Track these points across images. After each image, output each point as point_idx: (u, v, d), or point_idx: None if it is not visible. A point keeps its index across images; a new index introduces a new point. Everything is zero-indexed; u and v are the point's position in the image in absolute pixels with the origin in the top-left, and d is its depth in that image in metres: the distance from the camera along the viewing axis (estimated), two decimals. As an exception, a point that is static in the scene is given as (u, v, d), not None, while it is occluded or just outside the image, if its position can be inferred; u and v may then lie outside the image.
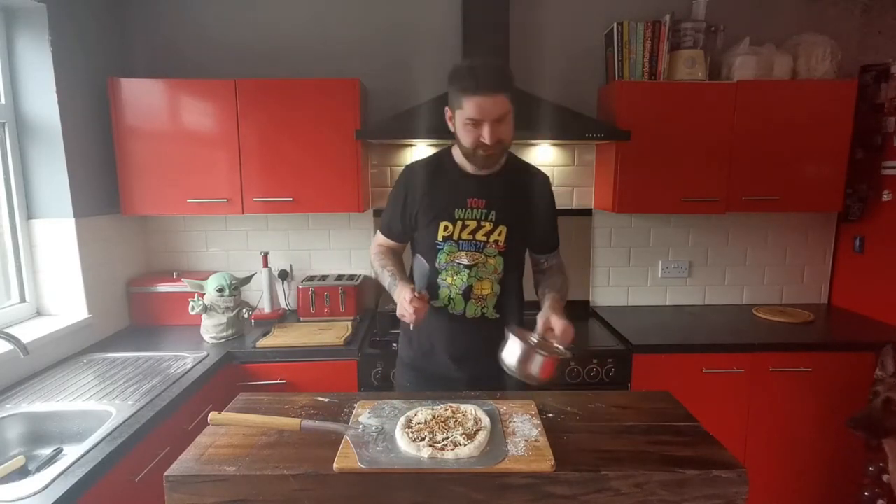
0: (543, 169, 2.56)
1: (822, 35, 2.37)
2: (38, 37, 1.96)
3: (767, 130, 2.29)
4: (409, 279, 1.57)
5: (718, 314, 2.62)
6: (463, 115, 1.40)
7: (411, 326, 1.47)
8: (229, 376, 2.06)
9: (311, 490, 1.01)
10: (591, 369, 2.13)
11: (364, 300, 2.57)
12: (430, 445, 1.06)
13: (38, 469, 1.42)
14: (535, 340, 1.37)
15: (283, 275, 2.61)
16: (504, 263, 1.54)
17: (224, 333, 2.19)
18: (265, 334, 2.26)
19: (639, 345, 2.16)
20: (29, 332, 1.87)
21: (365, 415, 1.21)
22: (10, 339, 1.61)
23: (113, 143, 2.21)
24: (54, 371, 1.87)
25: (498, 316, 1.56)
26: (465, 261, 1.52)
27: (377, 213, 2.55)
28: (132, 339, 2.24)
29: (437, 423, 1.14)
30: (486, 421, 1.15)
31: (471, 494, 1.01)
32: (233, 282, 2.21)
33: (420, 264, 1.47)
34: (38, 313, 2.11)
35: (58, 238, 2.07)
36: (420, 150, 2.54)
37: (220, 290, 2.17)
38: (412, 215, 1.57)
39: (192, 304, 2.16)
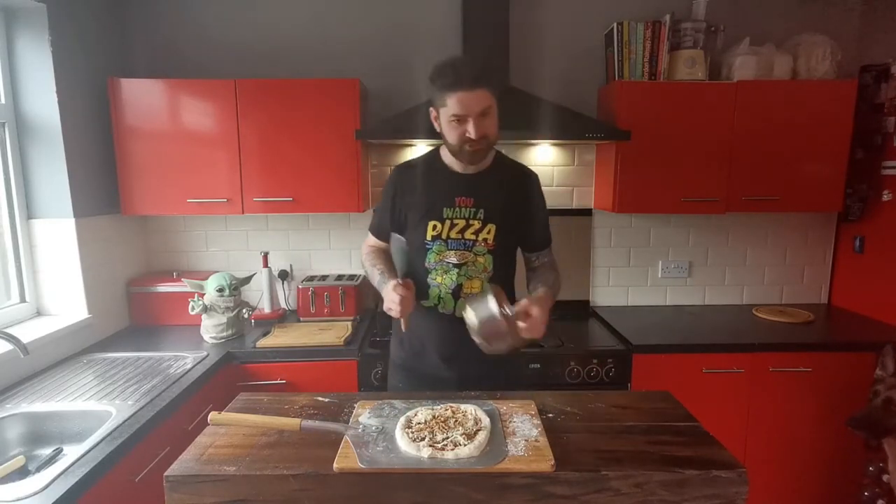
0: (544, 169, 2.64)
1: (822, 35, 2.37)
2: (38, 37, 1.96)
3: (767, 130, 2.29)
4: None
5: (718, 314, 2.62)
6: (447, 112, 1.41)
7: (402, 325, 1.47)
8: (229, 376, 2.06)
9: (311, 490, 1.01)
10: (591, 369, 2.13)
11: (364, 300, 2.57)
12: (430, 445, 1.06)
13: (38, 469, 1.42)
14: (509, 313, 1.33)
15: (283, 275, 2.61)
16: (494, 262, 1.53)
17: (224, 333, 2.19)
18: (265, 334, 2.26)
19: (639, 345, 2.16)
20: (29, 332, 1.87)
21: (365, 415, 1.21)
22: (10, 339, 1.61)
23: (113, 143, 2.21)
24: (54, 371, 1.87)
25: None
26: (454, 260, 1.52)
27: (377, 213, 2.55)
28: (132, 339, 2.24)
29: (437, 423, 1.14)
30: (486, 421, 1.15)
31: (471, 494, 1.01)
32: (233, 282, 2.21)
33: (398, 243, 1.46)
34: (38, 313, 2.12)
35: (58, 238, 2.07)
36: (420, 150, 2.54)
37: (220, 290, 2.17)
38: (401, 215, 1.58)
39: (192, 304, 2.16)
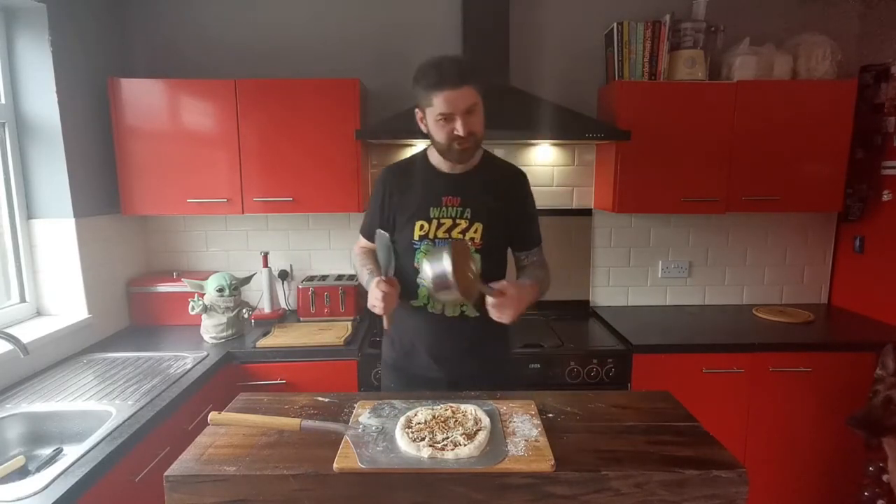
0: (544, 169, 2.64)
1: (822, 35, 2.37)
2: (38, 37, 1.96)
3: (767, 130, 2.29)
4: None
5: (718, 314, 2.62)
6: (434, 112, 1.41)
7: (385, 322, 1.48)
8: (229, 376, 2.06)
9: (311, 490, 1.01)
10: (591, 369, 2.13)
11: (364, 300, 2.55)
12: (430, 445, 1.06)
13: (38, 469, 1.42)
14: (475, 269, 1.31)
15: (283, 275, 2.61)
16: (482, 261, 1.53)
17: (224, 333, 2.19)
18: (265, 334, 2.26)
19: (639, 345, 2.16)
20: (29, 332, 1.88)
21: (365, 415, 1.21)
22: (10, 339, 1.61)
23: (113, 143, 2.21)
24: (54, 371, 1.87)
25: (478, 314, 1.55)
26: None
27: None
28: (132, 339, 2.24)
29: (437, 423, 1.14)
30: (485, 421, 1.15)
31: (471, 494, 1.01)
32: (233, 282, 2.21)
33: (381, 237, 1.46)
34: (38, 313, 2.12)
35: (58, 238, 2.07)
36: (420, 150, 2.53)
37: (220, 290, 2.17)
38: (390, 216, 1.58)
39: (192, 304, 2.16)
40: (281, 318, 2.53)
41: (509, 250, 1.65)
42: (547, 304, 2.64)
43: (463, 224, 1.52)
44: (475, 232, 1.52)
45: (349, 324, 2.37)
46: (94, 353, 2.05)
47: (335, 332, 2.27)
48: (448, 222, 1.52)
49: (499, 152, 2.60)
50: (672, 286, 2.76)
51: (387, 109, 2.47)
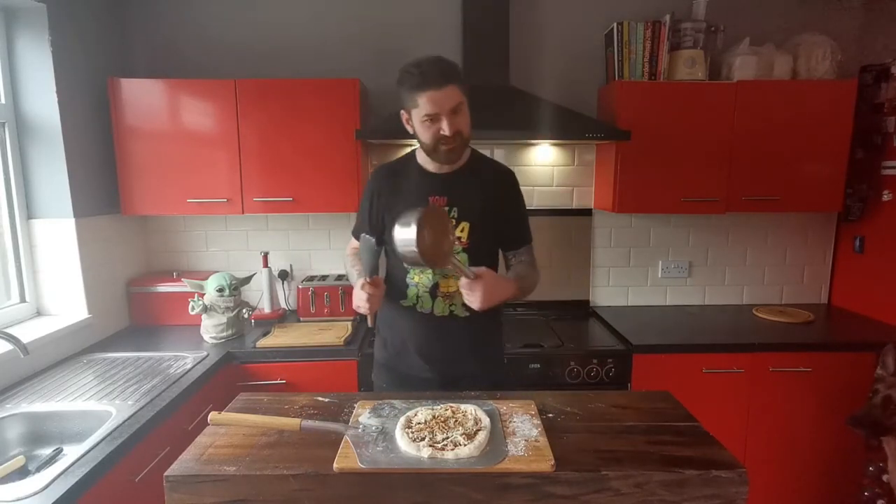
0: (544, 169, 2.64)
1: (822, 35, 2.37)
2: (38, 37, 1.96)
3: (767, 130, 2.29)
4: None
5: (718, 314, 2.62)
6: (419, 113, 1.41)
7: (369, 321, 1.49)
8: (229, 376, 2.06)
9: (311, 490, 1.01)
10: (591, 369, 2.13)
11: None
12: (430, 445, 1.06)
13: (38, 469, 1.42)
14: (452, 239, 1.31)
15: (283, 275, 2.61)
16: (469, 260, 1.52)
17: (224, 333, 2.19)
18: (265, 334, 2.27)
19: (639, 345, 2.16)
20: (29, 332, 1.88)
21: (365, 415, 1.21)
22: (10, 339, 1.61)
23: (113, 143, 2.21)
24: (54, 371, 1.87)
25: (468, 314, 1.55)
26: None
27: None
28: (132, 339, 2.24)
29: (437, 423, 1.14)
30: (485, 421, 1.15)
31: (471, 494, 1.01)
32: (233, 282, 2.21)
33: (366, 241, 1.46)
34: (38, 313, 2.12)
35: (58, 238, 2.07)
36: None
37: (220, 290, 2.17)
38: (379, 217, 1.59)
39: (192, 304, 2.16)
40: (281, 318, 2.53)
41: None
42: (547, 304, 2.66)
43: (455, 234, 1.52)
44: (462, 231, 1.53)
45: (349, 324, 2.37)
46: (94, 353, 2.05)
47: (335, 332, 2.27)
48: None
49: (499, 152, 2.61)
50: (672, 286, 2.76)
51: (387, 109, 2.47)
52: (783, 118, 2.29)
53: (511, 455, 1.05)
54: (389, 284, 1.64)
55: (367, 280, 1.45)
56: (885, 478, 2.06)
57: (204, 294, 2.18)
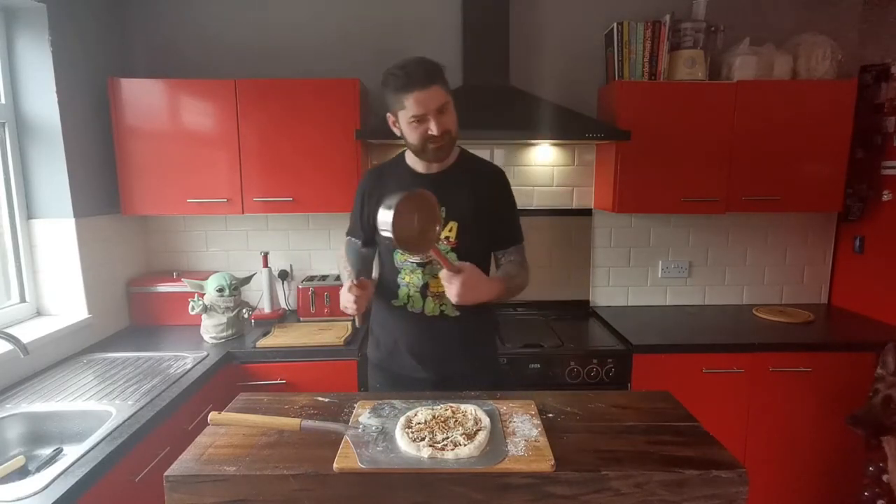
0: (544, 169, 2.64)
1: (822, 35, 2.37)
2: (38, 37, 1.96)
3: (767, 130, 2.29)
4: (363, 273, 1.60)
5: (718, 314, 2.62)
6: (406, 114, 1.42)
7: (356, 321, 1.50)
8: (229, 376, 2.06)
9: (311, 490, 1.01)
10: (591, 369, 2.13)
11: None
12: (430, 445, 1.06)
13: (38, 469, 1.42)
14: (438, 230, 1.32)
15: (283, 275, 2.61)
16: (458, 259, 1.51)
17: (224, 333, 2.19)
18: (265, 334, 2.26)
19: (639, 345, 2.16)
20: (29, 332, 1.87)
21: (365, 415, 1.21)
22: (10, 339, 1.61)
23: (113, 143, 2.21)
24: (54, 371, 1.87)
25: (458, 313, 1.55)
26: (416, 259, 1.53)
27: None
28: (132, 339, 2.24)
29: (437, 423, 1.14)
30: (485, 421, 1.15)
31: (471, 494, 1.01)
32: (233, 282, 2.21)
33: (351, 244, 1.46)
34: (38, 313, 2.11)
35: (58, 238, 2.07)
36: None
37: (220, 290, 2.17)
38: (369, 218, 1.59)
39: (192, 304, 2.16)
40: (281, 318, 2.53)
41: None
42: (547, 304, 2.66)
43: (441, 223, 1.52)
44: (450, 231, 1.53)
45: (349, 324, 2.37)
46: (94, 353, 2.05)
47: (335, 332, 2.27)
48: None
49: (499, 152, 2.61)
50: (672, 286, 2.76)
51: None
52: (783, 118, 2.29)
53: (511, 455, 1.05)
54: (381, 285, 1.66)
55: (354, 282, 1.45)
56: (885, 478, 2.06)
57: (204, 294, 2.18)
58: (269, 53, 2.48)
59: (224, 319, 2.19)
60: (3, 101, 1.97)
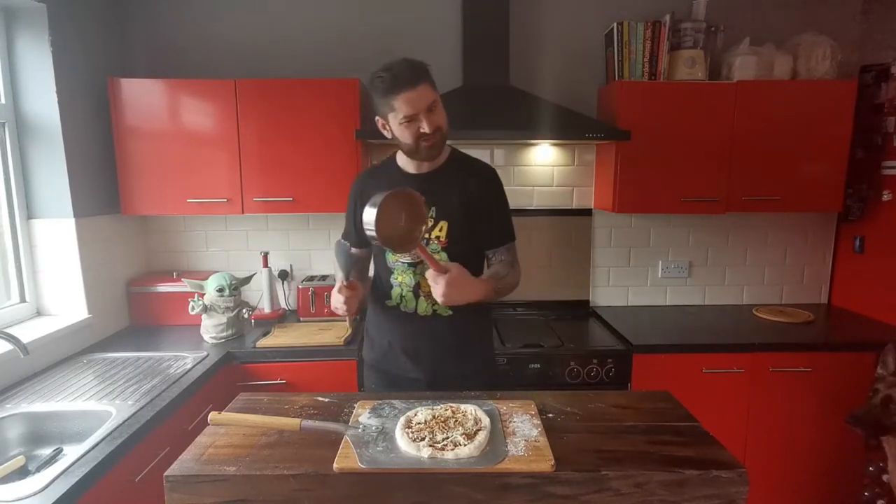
0: (544, 169, 2.64)
1: (822, 35, 2.36)
2: (38, 37, 1.96)
3: (767, 130, 2.29)
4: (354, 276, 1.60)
5: (718, 314, 2.62)
6: (397, 116, 1.42)
7: (348, 322, 1.49)
8: (229, 376, 2.06)
9: (311, 490, 1.01)
10: (591, 369, 2.13)
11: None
12: (430, 445, 1.06)
13: (38, 469, 1.42)
14: (424, 229, 1.33)
15: (283, 275, 2.61)
16: (449, 259, 1.52)
17: (224, 333, 2.19)
18: (265, 334, 2.27)
19: (639, 345, 2.16)
20: (29, 332, 1.87)
21: (365, 415, 1.21)
22: (10, 339, 1.61)
23: (113, 143, 2.21)
24: (54, 371, 1.87)
25: (451, 313, 1.55)
26: (408, 259, 1.53)
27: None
28: (132, 339, 2.24)
29: (437, 423, 1.14)
30: (485, 421, 1.15)
31: (471, 494, 1.01)
32: (233, 282, 2.21)
33: (340, 245, 1.47)
34: (38, 313, 2.11)
35: (58, 238, 2.07)
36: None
37: (220, 290, 2.17)
38: (360, 221, 1.58)
39: (192, 304, 2.16)
40: (281, 318, 2.53)
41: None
42: (547, 304, 2.66)
43: (429, 223, 1.52)
44: (440, 230, 1.53)
45: (353, 322, 2.37)
46: (94, 353, 2.05)
47: (335, 332, 2.27)
48: None
49: (499, 152, 2.61)
50: (672, 286, 2.76)
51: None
52: (783, 118, 2.29)
53: (511, 455, 1.05)
54: (375, 285, 1.66)
55: (344, 284, 1.46)
56: (885, 478, 2.06)
57: (204, 294, 2.18)
58: (269, 53, 2.48)
59: (224, 319, 2.19)
60: (3, 101, 1.97)
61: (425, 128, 1.41)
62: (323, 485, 1.01)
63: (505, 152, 2.60)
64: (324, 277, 2.56)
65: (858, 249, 2.55)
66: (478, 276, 1.55)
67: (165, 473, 1.02)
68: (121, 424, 1.47)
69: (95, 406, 1.60)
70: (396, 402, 1.27)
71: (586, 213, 2.67)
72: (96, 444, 1.36)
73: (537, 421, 1.18)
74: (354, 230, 1.64)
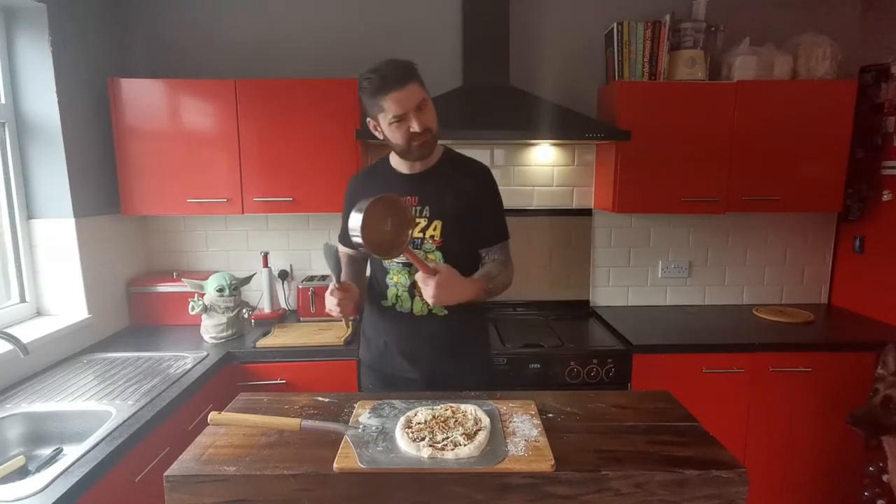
0: (544, 169, 2.64)
1: (822, 35, 2.37)
2: (38, 37, 1.96)
3: (767, 130, 2.29)
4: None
5: (718, 314, 2.62)
6: (386, 116, 1.43)
7: (344, 324, 1.49)
8: (229, 376, 2.06)
9: (311, 490, 1.01)
10: (591, 369, 2.13)
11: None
12: (430, 445, 1.06)
13: (38, 469, 1.42)
14: (408, 235, 1.34)
15: (283, 275, 2.61)
16: (444, 258, 1.52)
17: (224, 333, 2.19)
18: (265, 334, 2.27)
19: (639, 345, 2.16)
20: (29, 332, 1.87)
21: (365, 415, 1.21)
22: (10, 339, 1.61)
23: (113, 143, 2.21)
24: (54, 371, 1.87)
25: (446, 312, 1.55)
26: (403, 259, 1.52)
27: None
28: (132, 339, 2.24)
29: (437, 423, 1.14)
30: (485, 421, 1.15)
31: (471, 494, 1.01)
32: (233, 282, 2.21)
33: (329, 248, 1.47)
34: (38, 313, 2.11)
35: (58, 238, 2.07)
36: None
37: (220, 290, 2.17)
38: None
39: (192, 304, 2.16)
40: (281, 318, 2.53)
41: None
42: (547, 304, 2.66)
43: (422, 222, 1.53)
44: (434, 230, 1.53)
45: (350, 324, 2.37)
46: (94, 353, 2.05)
47: (335, 332, 2.27)
48: None
49: (499, 152, 2.61)
50: (672, 286, 2.76)
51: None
52: (783, 118, 2.29)
53: (511, 455, 1.05)
54: (371, 286, 1.67)
55: (336, 286, 1.46)
56: (885, 478, 2.06)
57: (204, 294, 2.18)
58: (269, 53, 2.48)
59: (224, 319, 2.19)
60: (3, 101, 1.97)
61: (415, 127, 1.41)
62: (323, 485, 1.01)
63: (505, 152, 2.60)
64: (324, 277, 2.56)
65: (858, 249, 2.55)
66: (472, 272, 1.55)
67: (165, 473, 1.02)
68: (121, 424, 1.47)
69: (95, 406, 1.60)
70: (396, 402, 1.27)
71: (586, 213, 2.67)
72: (96, 444, 1.36)
73: (537, 421, 1.18)
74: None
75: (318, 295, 2.43)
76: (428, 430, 1.12)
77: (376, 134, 1.52)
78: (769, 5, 2.53)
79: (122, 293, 2.39)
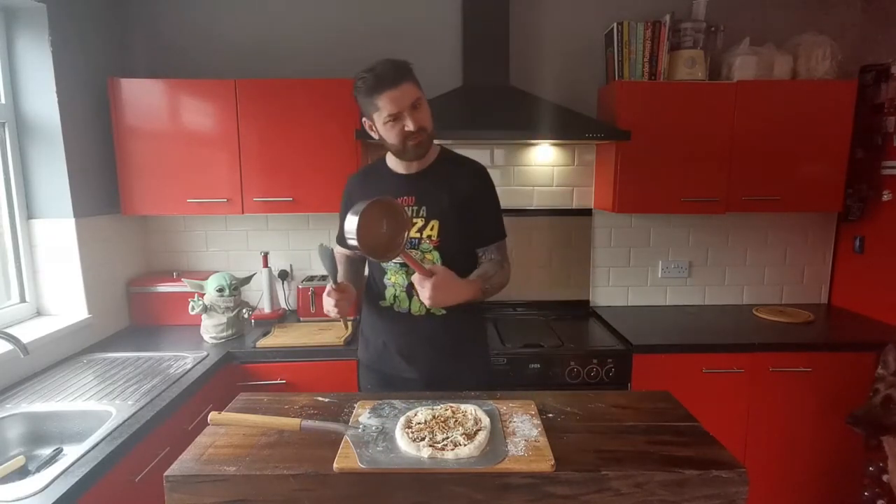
0: (544, 169, 2.64)
1: (822, 35, 2.37)
2: (38, 37, 1.96)
3: (767, 130, 2.29)
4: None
5: (718, 314, 2.62)
6: (381, 115, 1.43)
7: (343, 325, 1.54)
8: (229, 376, 2.06)
9: (311, 490, 1.01)
10: (591, 369, 2.13)
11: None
12: (430, 445, 1.06)
13: (38, 469, 1.42)
14: (405, 237, 1.34)
15: (283, 275, 2.61)
16: (442, 258, 1.52)
17: (224, 333, 2.19)
18: (265, 334, 2.27)
19: (639, 345, 2.16)
20: (29, 332, 1.87)
21: (365, 415, 1.21)
22: (10, 339, 1.61)
23: (113, 143, 2.21)
24: (54, 371, 1.87)
25: (444, 312, 1.55)
26: (399, 259, 1.51)
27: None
28: (132, 339, 2.24)
29: (437, 423, 1.14)
30: (485, 421, 1.15)
31: (471, 494, 1.01)
32: (233, 282, 2.21)
33: (324, 250, 1.47)
34: (38, 313, 2.11)
35: (58, 238, 2.07)
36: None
37: (220, 290, 2.17)
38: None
39: (192, 304, 2.16)
40: (281, 318, 2.53)
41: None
42: (547, 304, 2.66)
43: (419, 223, 1.53)
44: (432, 229, 1.53)
45: (350, 324, 2.37)
46: (94, 353, 2.05)
47: (335, 333, 2.27)
48: None
49: (499, 152, 2.61)
50: (672, 286, 2.76)
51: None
52: (783, 118, 2.29)
53: (511, 455, 1.05)
54: (369, 286, 1.67)
55: (333, 287, 1.46)
56: (885, 478, 2.06)
57: (204, 294, 2.18)
58: (269, 53, 2.48)
59: (224, 319, 2.19)
60: (3, 101, 1.97)
61: (410, 126, 1.41)
62: (323, 485, 1.01)
63: (505, 152, 2.60)
64: (323, 277, 2.56)
65: (858, 249, 2.55)
66: (469, 272, 1.55)
67: (165, 473, 1.02)
68: (121, 424, 1.47)
69: (95, 406, 1.60)
70: (396, 402, 1.27)
71: (586, 213, 2.67)
72: (96, 444, 1.36)
73: (537, 421, 1.18)
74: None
75: (318, 295, 2.43)
76: (428, 430, 1.12)
77: (372, 134, 1.52)
78: (769, 5, 2.53)
79: (122, 293, 2.39)
